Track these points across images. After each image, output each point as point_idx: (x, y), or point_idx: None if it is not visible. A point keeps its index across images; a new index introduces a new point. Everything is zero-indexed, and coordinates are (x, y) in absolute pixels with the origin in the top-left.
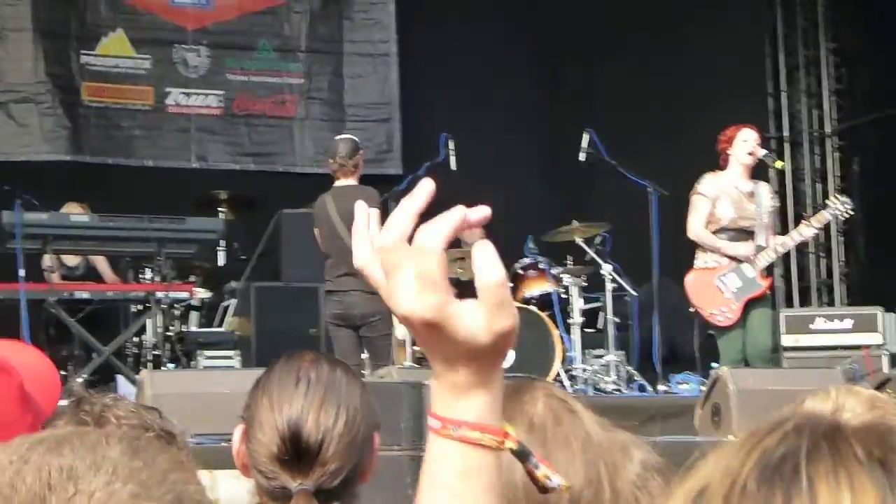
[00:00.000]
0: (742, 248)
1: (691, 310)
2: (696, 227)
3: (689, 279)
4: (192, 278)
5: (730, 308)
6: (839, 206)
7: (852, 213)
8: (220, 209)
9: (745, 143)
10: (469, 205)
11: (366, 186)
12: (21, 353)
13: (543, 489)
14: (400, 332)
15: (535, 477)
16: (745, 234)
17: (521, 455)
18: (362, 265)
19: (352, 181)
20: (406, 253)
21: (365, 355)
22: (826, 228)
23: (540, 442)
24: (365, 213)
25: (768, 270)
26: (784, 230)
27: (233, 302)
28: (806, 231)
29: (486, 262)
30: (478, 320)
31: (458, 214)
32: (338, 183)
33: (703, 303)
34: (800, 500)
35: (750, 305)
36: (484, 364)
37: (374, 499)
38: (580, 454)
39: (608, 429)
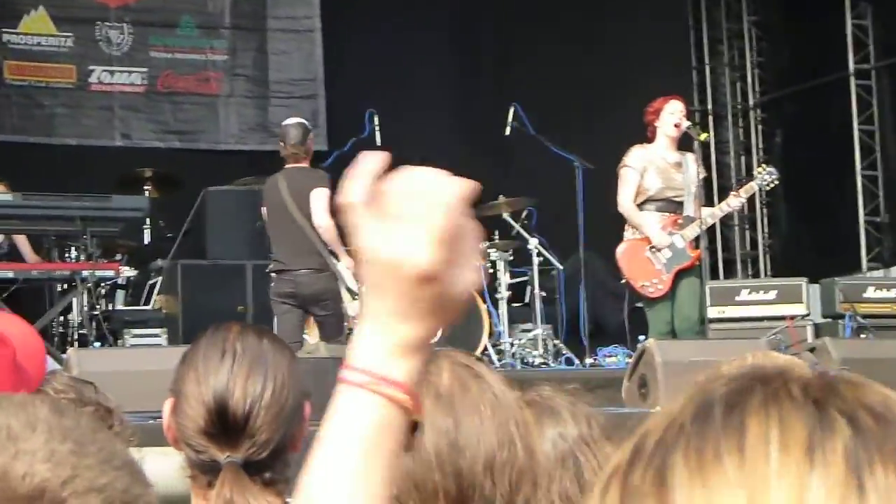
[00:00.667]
0: (660, 239)
1: (622, 281)
2: (625, 202)
3: (621, 250)
4: (118, 257)
5: (660, 279)
6: (766, 176)
7: (778, 181)
8: (144, 187)
9: (671, 116)
10: None
11: (317, 169)
12: (8, 322)
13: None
14: (351, 309)
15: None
16: (673, 204)
17: (416, 429)
18: (350, 205)
19: (302, 164)
20: (422, 203)
21: (308, 337)
22: (750, 201)
23: (447, 411)
24: (372, 156)
25: (697, 242)
26: (708, 203)
27: (159, 280)
28: (734, 202)
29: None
30: (459, 274)
31: (471, 186)
32: (289, 166)
33: (635, 274)
34: (729, 434)
35: (679, 277)
36: (441, 320)
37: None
38: (490, 418)
39: (539, 393)
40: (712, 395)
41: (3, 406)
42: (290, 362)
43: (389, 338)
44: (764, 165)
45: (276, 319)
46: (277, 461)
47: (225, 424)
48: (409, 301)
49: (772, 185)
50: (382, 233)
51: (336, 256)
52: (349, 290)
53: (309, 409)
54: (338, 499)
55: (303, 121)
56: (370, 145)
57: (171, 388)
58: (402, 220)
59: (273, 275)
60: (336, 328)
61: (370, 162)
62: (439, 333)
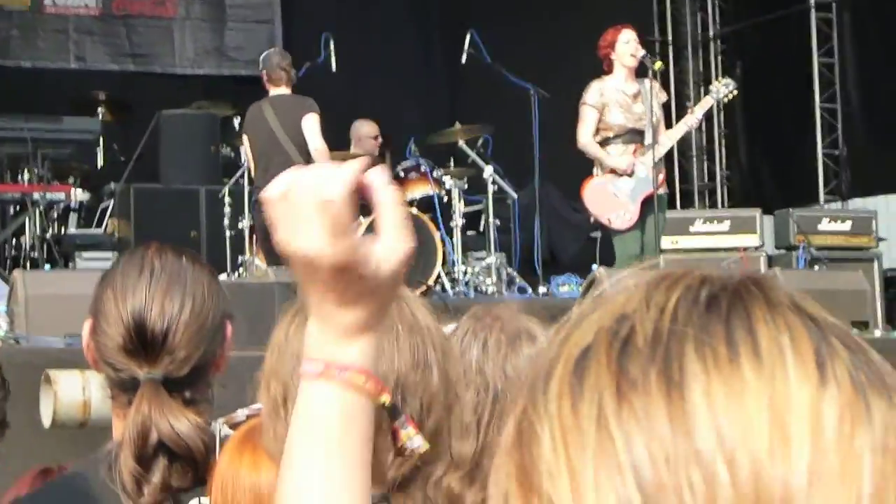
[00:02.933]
0: (622, 162)
1: (591, 220)
2: (583, 138)
3: (586, 190)
4: (71, 180)
5: (627, 210)
6: (722, 89)
7: (735, 92)
8: (98, 110)
9: (626, 45)
10: (350, 105)
11: (304, 96)
12: None
13: (401, 450)
14: None
15: (398, 436)
16: (638, 134)
17: (392, 412)
18: (267, 200)
19: (286, 90)
20: (307, 199)
21: (257, 261)
22: (709, 132)
23: None
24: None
25: (661, 167)
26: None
27: (111, 203)
28: (690, 119)
29: (381, 183)
30: (383, 252)
31: (359, 167)
32: (273, 92)
33: (601, 210)
34: (743, 336)
35: (647, 208)
36: (380, 299)
37: (242, 398)
38: (406, 338)
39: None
40: (699, 291)
41: None
42: (210, 281)
43: (333, 325)
44: (720, 78)
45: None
46: (198, 380)
47: (143, 341)
48: (336, 290)
49: (729, 97)
50: (289, 228)
51: None
52: None
53: (231, 330)
54: (313, 496)
55: (282, 50)
56: (325, 70)
57: (90, 308)
58: (299, 217)
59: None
60: None
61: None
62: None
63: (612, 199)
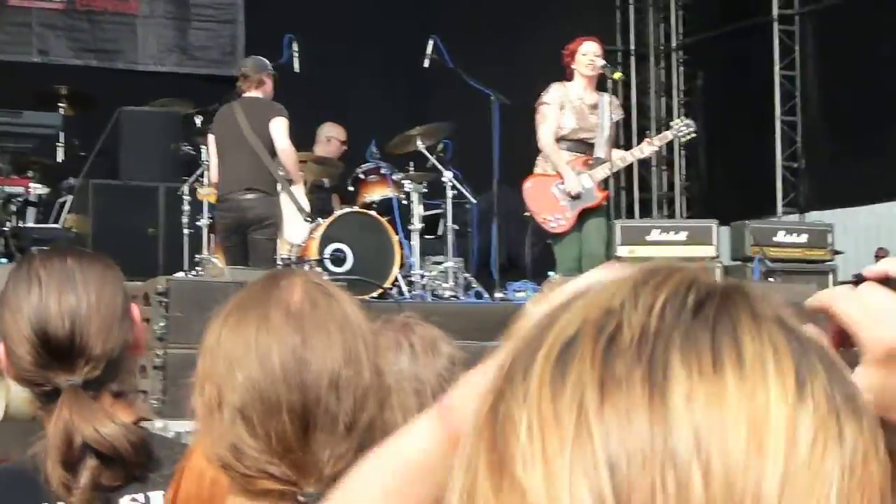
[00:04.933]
0: (575, 185)
1: (526, 214)
2: (544, 138)
3: (528, 185)
4: (30, 173)
5: (563, 215)
6: (682, 128)
7: (695, 135)
8: (59, 104)
9: (584, 56)
10: (311, 106)
11: (273, 101)
12: None
13: None
14: (296, 237)
15: None
16: (585, 145)
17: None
18: None
19: (258, 94)
20: None
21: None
22: (668, 143)
23: (296, 327)
24: None
25: (605, 183)
26: (627, 143)
27: (70, 198)
28: (647, 149)
29: None
30: None
31: None
32: (246, 94)
33: (538, 208)
34: (728, 348)
35: (584, 215)
36: None
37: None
38: (337, 334)
39: (418, 323)
40: (693, 295)
41: None
42: (102, 272)
43: None
44: (682, 117)
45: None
46: (119, 371)
47: (51, 350)
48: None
49: (688, 138)
50: None
51: (291, 182)
52: (301, 209)
53: (138, 311)
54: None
55: (263, 59)
56: (288, 72)
57: None
58: None
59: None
60: (269, 253)
61: None
62: (348, 264)
63: (551, 200)
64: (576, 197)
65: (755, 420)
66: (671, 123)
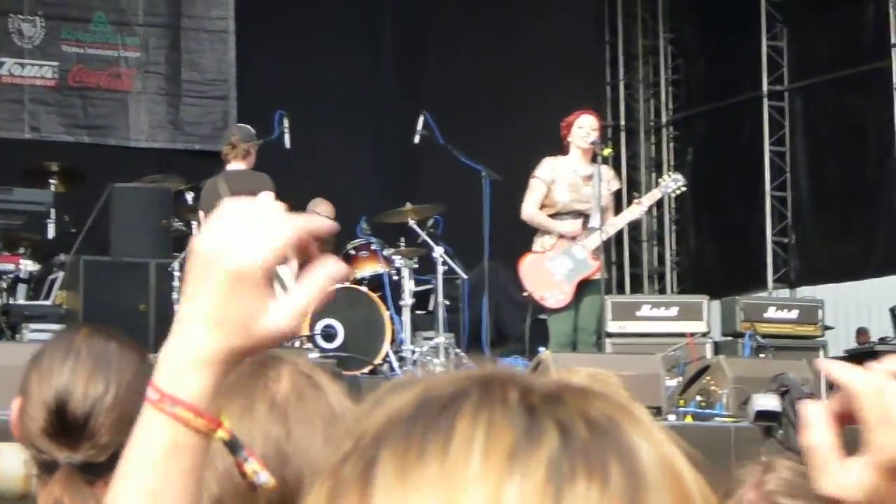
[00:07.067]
0: (569, 227)
1: (524, 294)
2: (528, 208)
3: (524, 263)
4: (21, 250)
5: (561, 290)
6: (671, 183)
7: (685, 188)
8: (51, 181)
9: (580, 129)
10: (302, 182)
11: (259, 172)
12: None
13: (252, 485)
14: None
15: (244, 471)
16: (581, 215)
17: (232, 447)
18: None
19: (242, 165)
20: (262, 215)
21: None
22: (659, 217)
23: (281, 419)
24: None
25: (600, 253)
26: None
27: (61, 275)
28: (636, 209)
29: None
30: (284, 305)
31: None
32: (229, 167)
33: (535, 286)
34: (436, 435)
35: (582, 290)
36: (247, 343)
37: None
38: (321, 430)
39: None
40: (432, 394)
41: None
42: (138, 366)
43: (188, 351)
44: (669, 173)
45: None
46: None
47: (64, 425)
48: (221, 299)
49: (677, 192)
50: (222, 230)
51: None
52: (285, 288)
53: None
54: None
55: (249, 127)
56: (279, 147)
57: (20, 387)
58: (244, 224)
59: None
60: None
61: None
62: (339, 340)
63: (547, 276)
64: (567, 261)
65: (449, 499)
66: (659, 181)
